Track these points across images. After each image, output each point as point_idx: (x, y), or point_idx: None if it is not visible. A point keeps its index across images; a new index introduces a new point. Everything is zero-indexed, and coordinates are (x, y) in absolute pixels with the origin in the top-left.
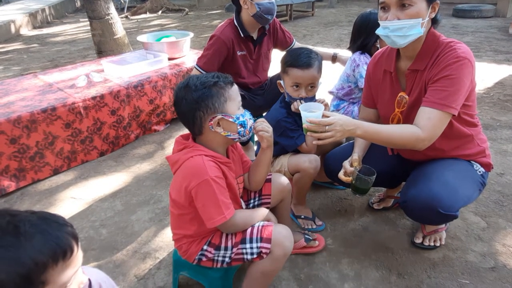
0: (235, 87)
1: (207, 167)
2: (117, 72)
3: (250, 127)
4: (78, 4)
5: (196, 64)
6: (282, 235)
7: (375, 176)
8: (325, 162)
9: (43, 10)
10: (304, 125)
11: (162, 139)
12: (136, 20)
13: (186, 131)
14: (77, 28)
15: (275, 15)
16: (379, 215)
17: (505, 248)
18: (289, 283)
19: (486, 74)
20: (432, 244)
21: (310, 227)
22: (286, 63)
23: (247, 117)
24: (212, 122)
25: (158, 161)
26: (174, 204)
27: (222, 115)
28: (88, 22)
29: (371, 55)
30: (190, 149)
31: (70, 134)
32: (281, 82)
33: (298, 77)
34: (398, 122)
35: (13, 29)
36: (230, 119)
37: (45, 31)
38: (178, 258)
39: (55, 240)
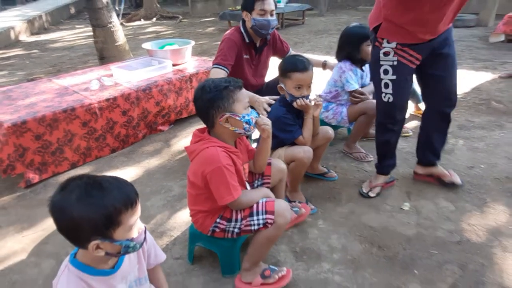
0: (243, 90)
1: (220, 156)
2: (127, 77)
3: (254, 124)
4: (73, 11)
5: (213, 64)
6: (283, 207)
7: None
8: None
9: (40, 16)
10: None
11: (167, 138)
12: (131, 27)
13: (187, 131)
14: (74, 35)
15: (270, 31)
16: (363, 201)
17: (470, 227)
18: (286, 254)
19: (464, 80)
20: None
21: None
22: (287, 69)
23: (253, 116)
24: (221, 119)
25: (165, 157)
26: (192, 186)
27: (230, 114)
28: (86, 29)
29: (354, 63)
30: (205, 141)
31: (86, 132)
32: (282, 85)
33: (300, 79)
34: None
35: (12, 35)
36: (237, 118)
37: (43, 37)
38: (194, 231)
39: (126, 193)
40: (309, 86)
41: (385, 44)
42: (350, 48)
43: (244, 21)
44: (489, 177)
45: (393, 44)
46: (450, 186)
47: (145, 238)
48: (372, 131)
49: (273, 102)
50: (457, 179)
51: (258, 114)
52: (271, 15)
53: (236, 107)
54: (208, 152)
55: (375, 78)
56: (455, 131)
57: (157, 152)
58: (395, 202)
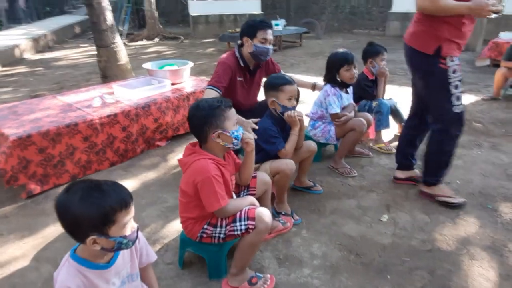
0: (233, 109)
1: (210, 167)
2: (127, 95)
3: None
4: (78, 30)
5: (208, 85)
6: (263, 214)
7: None
8: None
9: (45, 35)
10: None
11: (164, 153)
12: (134, 47)
13: (183, 147)
14: (78, 53)
15: (267, 58)
16: (345, 213)
17: (442, 237)
18: (271, 261)
19: None
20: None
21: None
22: (279, 84)
23: (240, 132)
24: (214, 135)
25: (162, 171)
26: (183, 194)
27: (222, 130)
28: (90, 48)
29: (339, 86)
30: (197, 154)
31: (87, 146)
32: (274, 99)
33: (292, 91)
34: None
35: (17, 53)
36: (227, 134)
37: (47, 55)
38: (184, 237)
39: (122, 196)
40: (295, 98)
41: (449, 63)
42: (332, 72)
43: (239, 46)
44: (464, 192)
45: (456, 61)
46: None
47: (137, 236)
48: (358, 148)
49: (256, 126)
50: None
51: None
52: (270, 43)
53: (226, 124)
54: (199, 163)
55: (443, 94)
56: None
57: (154, 166)
58: (375, 214)
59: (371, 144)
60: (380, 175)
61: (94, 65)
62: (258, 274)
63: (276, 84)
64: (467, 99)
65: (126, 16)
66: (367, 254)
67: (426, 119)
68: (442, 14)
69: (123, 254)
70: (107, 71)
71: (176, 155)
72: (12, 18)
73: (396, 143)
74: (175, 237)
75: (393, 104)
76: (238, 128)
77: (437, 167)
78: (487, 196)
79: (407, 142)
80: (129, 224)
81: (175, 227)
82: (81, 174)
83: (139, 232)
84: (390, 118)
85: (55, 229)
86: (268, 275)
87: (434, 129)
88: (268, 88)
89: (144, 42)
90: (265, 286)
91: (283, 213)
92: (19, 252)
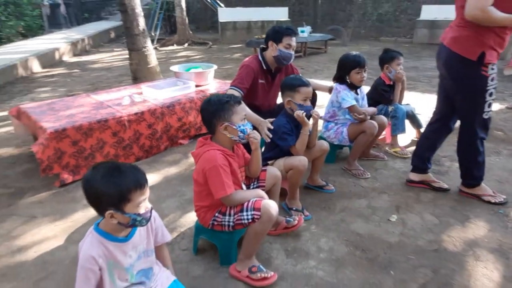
0: (242, 105)
1: (217, 157)
2: (154, 95)
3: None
4: (113, 35)
5: (230, 86)
6: (269, 206)
7: None
8: None
9: (83, 40)
10: None
11: (186, 150)
12: (164, 51)
13: None
14: (112, 57)
15: (289, 62)
16: (355, 212)
17: (449, 238)
18: (279, 252)
19: None
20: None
21: (302, 217)
22: (296, 85)
23: (248, 127)
24: (221, 127)
25: (183, 167)
26: (196, 184)
27: (228, 123)
28: (123, 52)
29: (348, 85)
30: (207, 145)
31: (115, 141)
32: (290, 99)
33: (307, 92)
34: None
35: (57, 56)
36: (234, 127)
37: (83, 58)
38: (198, 225)
39: (137, 177)
40: (310, 99)
41: (490, 71)
42: (342, 72)
43: (262, 50)
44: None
45: (495, 69)
46: (439, 190)
47: (150, 216)
48: (373, 152)
49: (271, 126)
50: (444, 185)
51: (253, 128)
52: (293, 49)
53: (234, 118)
54: (208, 153)
55: (477, 100)
56: (452, 154)
57: (176, 162)
58: (384, 214)
59: (387, 148)
60: (393, 178)
61: (126, 68)
62: (260, 266)
63: (293, 85)
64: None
65: (158, 22)
66: (373, 251)
67: (449, 123)
68: (491, 25)
69: (140, 231)
70: (137, 73)
71: None
72: (53, 24)
73: (412, 148)
74: (191, 226)
75: (410, 110)
76: (245, 123)
77: (475, 168)
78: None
79: (428, 145)
80: (143, 204)
81: (191, 218)
82: None
83: (156, 214)
84: (407, 123)
85: (83, 215)
86: (271, 272)
87: (464, 134)
88: (285, 88)
89: (175, 47)
90: (262, 275)
91: (294, 209)
92: (51, 233)
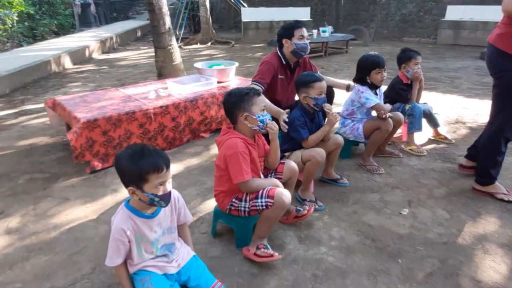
0: (262, 96)
1: (238, 145)
2: (179, 90)
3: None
4: (139, 34)
5: (252, 81)
6: (282, 194)
7: None
8: None
9: (111, 38)
10: None
11: (207, 143)
12: (188, 50)
13: None
14: (138, 55)
15: (307, 52)
16: (366, 204)
17: (459, 232)
18: (292, 238)
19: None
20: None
21: (313, 207)
22: (310, 80)
23: (267, 117)
24: (242, 117)
25: (204, 158)
26: (217, 169)
27: (248, 113)
28: (149, 50)
29: (368, 85)
30: (230, 133)
31: (141, 132)
32: (306, 95)
33: (321, 87)
34: None
35: (87, 53)
36: (253, 117)
37: (112, 55)
38: (217, 210)
39: (156, 161)
40: (324, 93)
41: None
42: (362, 73)
43: (281, 46)
44: None
45: None
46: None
47: (169, 198)
48: (389, 149)
49: (287, 119)
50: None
51: (272, 119)
52: (307, 39)
53: (253, 109)
54: (230, 141)
55: (509, 97)
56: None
57: (198, 154)
58: (396, 208)
59: (402, 146)
60: (407, 175)
61: (151, 65)
62: (267, 245)
63: (307, 81)
64: None
65: (183, 22)
66: (382, 241)
67: None
68: None
69: (165, 210)
70: (162, 70)
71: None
72: (84, 22)
73: (429, 147)
74: (210, 211)
75: (427, 109)
76: (265, 114)
77: (492, 167)
78: None
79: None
80: (162, 186)
81: (210, 204)
82: None
83: (179, 195)
84: (424, 122)
85: (111, 198)
86: (276, 254)
87: (490, 130)
88: (300, 85)
89: (198, 45)
90: (266, 252)
91: (308, 200)
92: (82, 214)
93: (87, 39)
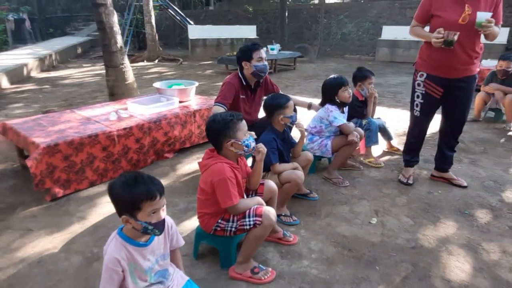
0: (244, 121)
1: (226, 170)
2: (141, 110)
3: (253, 147)
4: (79, 51)
5: (215, 102)
6: (269, 212)
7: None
8: None
9: (50, 55)
10: (482, 23)
11: (172, 163)
12: (135, 67)
13: (189, 159)
14: (82, 73)
15: (267, 72)
16: (339, 216)
17: (424, 237)
18: (274, 254)
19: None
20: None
21: (289, 221)
22: (284, 103)
23: (250, 141)
24: (228, 144)
25: (172, 179)
26: (202, 192)
27: (234, 140)
28: (93, 68)
29: (338, 105)
30: (215, 158)
31: (105, 156)
32: (283, 116)
33: (292, 105)
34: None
35: (25, 72)
36: (239, 142)
37: (52, 74)
38: (200, 231)
39: (149, 189)
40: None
41: (418, 78)
42: (330, 94)
43: (241, 69)
44: (444, 200)
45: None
46: (458, 187)
47: (163, 227)
48: (350, 162)
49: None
50: (463, 183)
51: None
52: (265, 60)
53: (238, 135)
54: (217, 166)
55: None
56: (420, 164)
57: (165, 174)
58: (365, 217)
59: (361, 159)
60: (370, 186)
61: (98, 83)
62: (260, 266)
63: (282, 103)
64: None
65: (128, 39)
66: (358, 250)
67: None
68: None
69: (158, 238)
70: (114, 90)
71: (184, 166)
72: (18, 39)
73: (384, 158)
74: (188, 233)
75: (381, 123)
76: (248, 137)
77: (407, 152)
78: (465, 204)
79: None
80: (155, 214)
81: (187, 226)
82: (98, 181)
83: (172, 222)
84: (379, 135)
85: (79, 227)
86: (270, 269)
87: None
88: (275, 107)
89: (145, 63)
90: (266, 276)
91: (283, 214)
92: (50, 245)
93: (24, 56)
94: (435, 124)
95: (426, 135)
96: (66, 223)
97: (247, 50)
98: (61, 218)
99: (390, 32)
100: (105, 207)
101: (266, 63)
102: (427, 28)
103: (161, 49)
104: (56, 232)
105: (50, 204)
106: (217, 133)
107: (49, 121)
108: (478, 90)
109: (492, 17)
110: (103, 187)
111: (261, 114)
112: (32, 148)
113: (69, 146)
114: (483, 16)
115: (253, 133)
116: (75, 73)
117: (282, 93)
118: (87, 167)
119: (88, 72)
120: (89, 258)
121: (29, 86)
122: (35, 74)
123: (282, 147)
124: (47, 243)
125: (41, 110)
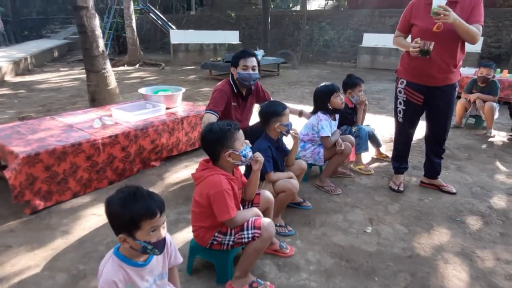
0: (241, 131)
1: (222, 182)
2: (126, 117)
3: (251, 157)
4: (56, 54)
5: (206, 110)
6: (268, 224)
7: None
8: None
9: (25, 59)
10: (435, 10)
11: (159, 172)
12: (115, 72)
13: (177, 167)
14: (59, 77)
15: (252, 82)
16: (334, 225)
17: (419, 245)
18: (271, 267)
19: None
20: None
21: (284, 231)
22: (281, 110)
23: (248, 151)
24: (225, 154)
25: (160, 189)
26: (197, 205)
27: (233, 150)
28: (71, 72)
29: (330, 113)
30: (211, 169)
31: (89, 165)
32: (280, 123)
33: (289, 113)
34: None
35: None
36: (237, 153)
37: (28, 78)
38: (194, 245)
39: (149, 206)
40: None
41: (399, 85)
42: (323, 102)
43: (232, 76)
44: (435, 207)
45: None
46: (448, 193)
47: (163, 246)
48: (341, 169)
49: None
50: (452, 189)
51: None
52: (253, 70)
53: (236, 145)
54: (213, 178)
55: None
56: (409, 170)
57: (152, 184)
58: (360, 226)
59: (352, 166)
60: (362, 193)
61: (77, 88)
62: (259, 280)
63: (279, 111)
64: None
65: (108, 42)
66: (356, 260)
67: None
68: None
69: (157, 257)
70: (96, 95)
71: (171, 174)
72: None
73: (374, 165)
74: (180, 247)
75: (370, 130)
76: (245, 147)
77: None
78: (456, 210)
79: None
80: (155, 232)
81: (179, 239)
82: (82, 192)
83: (171, 239)
84: (369, 142)
85: (63, 242)
86: (268, 283)
87: None
88: (271, 115)
89: (125, 67)
90: None
91: (278, 224)
92: (32, 262)
93: None
94: (421, 130)
95: (413, 142)
96: (48, 238)
97: (235, 56)
98: (42, 232)
99: (370, 40)
100: (90, 220)
101: (251, 72)
102: (409, 39)
103: (142, 53)
104: (38, 248)
105: (30, 218)
106: (214, 143)
107: (28, 128)
108: (459, 97)
109: (469, 16)
110: (87, 198)
111: (251, 121)
112: (10, 158)
113: (51, 155)
114: (437, 2)
115: (247, 141)
116: (52, 77)
117: (277, 100)
118: (70, 177)
119: (66, 76)
120: (75, 275)
121: (3, 91)
122: (9, 78)
123: (276, 156)
124: (28, 261)
125: (17, 117)
